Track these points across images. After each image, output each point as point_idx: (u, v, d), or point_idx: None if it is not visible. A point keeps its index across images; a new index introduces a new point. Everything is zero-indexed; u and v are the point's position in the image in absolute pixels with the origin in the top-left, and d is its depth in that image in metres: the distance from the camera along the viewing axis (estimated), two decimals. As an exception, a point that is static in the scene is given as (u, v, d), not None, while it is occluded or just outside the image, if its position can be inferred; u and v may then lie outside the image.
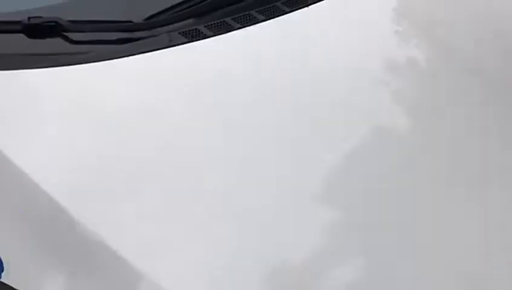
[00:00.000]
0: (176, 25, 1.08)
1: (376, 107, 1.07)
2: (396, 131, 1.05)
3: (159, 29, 1.07)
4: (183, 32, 1.07)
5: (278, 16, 1.13)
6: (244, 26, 1.10)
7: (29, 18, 1.00)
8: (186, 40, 1.06)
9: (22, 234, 0.87)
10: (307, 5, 1.16)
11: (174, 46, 1.05)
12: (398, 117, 1.07)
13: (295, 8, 1.15)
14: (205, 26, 1.08)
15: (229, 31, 1.09)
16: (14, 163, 0.89)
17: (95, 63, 1.01)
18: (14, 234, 0.87)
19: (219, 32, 1.08)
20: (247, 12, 1.11)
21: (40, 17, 1.00)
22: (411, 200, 0.95)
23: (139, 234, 0.86)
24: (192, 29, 1.07)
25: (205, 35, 1.07)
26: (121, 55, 1.02)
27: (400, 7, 1.27)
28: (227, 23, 1.09)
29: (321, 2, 1.18)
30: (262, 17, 1.12)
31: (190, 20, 1.10)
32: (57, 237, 0.86)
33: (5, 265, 0.85)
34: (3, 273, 0.85)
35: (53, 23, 1.00)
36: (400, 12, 1.25)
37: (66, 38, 1.02)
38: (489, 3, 1.31)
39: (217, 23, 1.09)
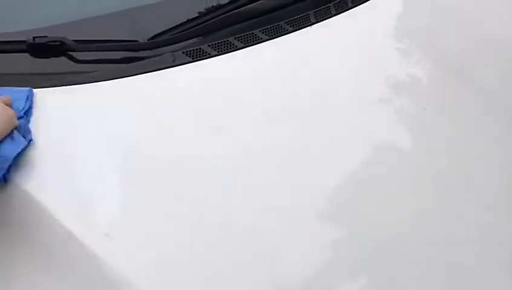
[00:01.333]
0: (180, 44, 1.09)
1: (378, 125, 1.07)
2: (398, 149, 1.05)
3: (163, 48, 1.07)
4: (187, 51, 1.07)
5: (281, 36, 1.13)
6: (247, 46, 1.10)
7: (34, 38, 1.01)
8: (190, 59, 1.06)
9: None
10: (310, 25, 1.17)
11: (178, 65, 1.05)
12: (400, 135, 1.07)
13: (298, 28, 1.15)
14: (209, 46, 1.08)
15: (233, 51, 1.09)
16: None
17: (100, 82, 1.01)
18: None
19: (223, 52, 1.08)
20: (250, 32, 1.12)
21: (45, 36, 1.01)
22: (414, 218, 0.95)
23: (139, 256, 0.86)
24: (196, 49, 1.08)
25: (209, 54, 1.08)
26: (126, 75, 1.03)
27: (402, 25, 1.27)
28: (230, 42, 1.10)
29: (324, 21, 1.18)
30: (266, 37, 1.12)
31: (194, 40, 1.11)
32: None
33: None
34: None
35: (58, 43, 1.01)
36: (402, 29, 1.26)
37: (71, 58, 1.03)
38: (491, 20, 1.31)
39: (221, 42, 1.09)
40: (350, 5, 1.23)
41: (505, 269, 0.94)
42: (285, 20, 1.16)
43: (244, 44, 1.10)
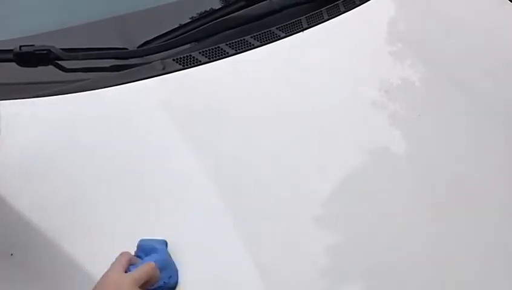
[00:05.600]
0: (170, 51, 1.07)
1: (371, 130, 1.06)
2: (392, 154, 1.04)
3: (153, 56, 1.06)
4: (177, 58, 1.06)
5: (272, 42, 1.12)
6: (238, 52, 1.09)
7: (21, 46, 0.99)
8: (180, 66, 1.05)
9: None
10: (303, 30, 1.16)
11: (168, 73, 1.04)
12: (394, 141, 1.06)
13: (290, 33, 1.14)
14: (200, 53, 1.07)
15: (224, 57, 1.08)
16: None
17: (89, 91, 1.00)
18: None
19: (214, 59, 1.07)
20: (242, 38, 1.10)
21: (32, 45, 1.00)
22: (409, 222, 0.95)
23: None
24: (187, 56, 1.06)
25: (199, 61, 1.06)
26: (115, 83, 1.01)
27: (395, 29, 1.27)
28: (222, 49, 1.08)
29: (316, 27, 1.17)
30: (257, 43, 1.11)
31: (185, 47, 1.09)
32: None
33: None
34: None
35: (46, 52, 1.00)
36: (395, 34, 1.25)
37: (59, 67, 1.02)
38: (483, 23, 1.31)
39: (211, 49, 1.08)
40: (342, 9, 1.22)
41: (504, 272, 0.94)
42: (277, 26, 1.14)
43: (236, 50, 1.09)
